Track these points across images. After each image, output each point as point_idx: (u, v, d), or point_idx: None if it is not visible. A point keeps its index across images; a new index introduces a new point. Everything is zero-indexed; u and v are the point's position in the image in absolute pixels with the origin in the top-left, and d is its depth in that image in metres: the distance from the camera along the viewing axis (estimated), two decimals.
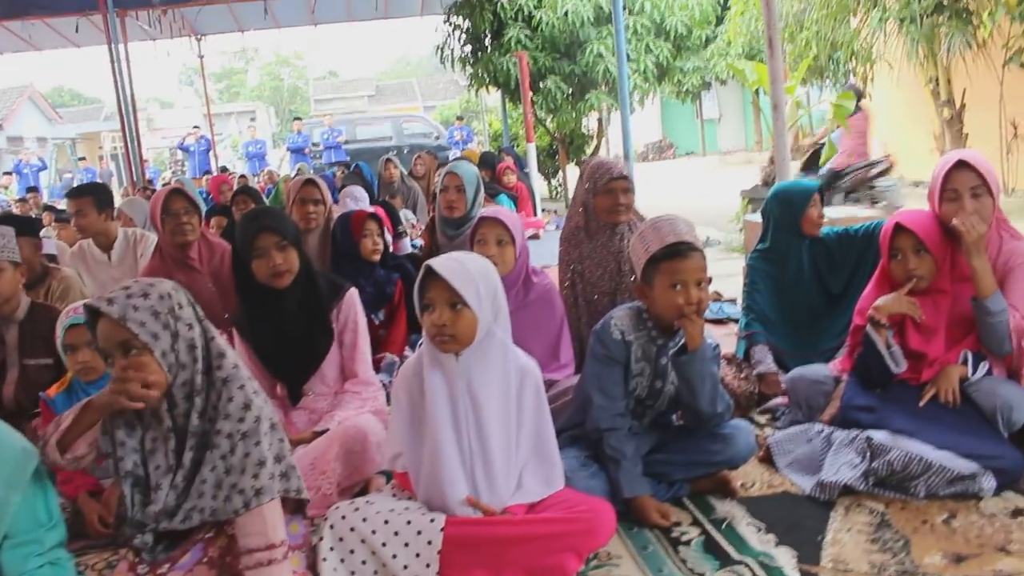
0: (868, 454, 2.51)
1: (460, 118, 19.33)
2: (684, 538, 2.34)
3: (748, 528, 2.37)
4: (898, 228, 2.71)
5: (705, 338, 2.48)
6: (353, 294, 3.13)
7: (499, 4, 11.46)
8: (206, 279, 4.03)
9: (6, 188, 16.22)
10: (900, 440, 2.50)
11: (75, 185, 4.82)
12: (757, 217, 4.19)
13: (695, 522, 2.44)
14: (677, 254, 2.44)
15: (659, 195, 12.68)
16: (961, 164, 2.69)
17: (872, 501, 2.45)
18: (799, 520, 2.39)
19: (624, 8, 9.95)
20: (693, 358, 2.46)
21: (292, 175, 11.95)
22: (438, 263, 2.16)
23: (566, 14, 11.07)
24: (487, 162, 9.22)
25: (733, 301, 4.87)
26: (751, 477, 2.69)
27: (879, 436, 2.53)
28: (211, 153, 18.46)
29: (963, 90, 9.40)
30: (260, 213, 3.04)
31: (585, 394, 2.59)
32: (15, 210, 11.89)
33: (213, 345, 2.06)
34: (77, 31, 13.55)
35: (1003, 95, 9.51)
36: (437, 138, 18.70)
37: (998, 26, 8.54)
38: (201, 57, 18.46)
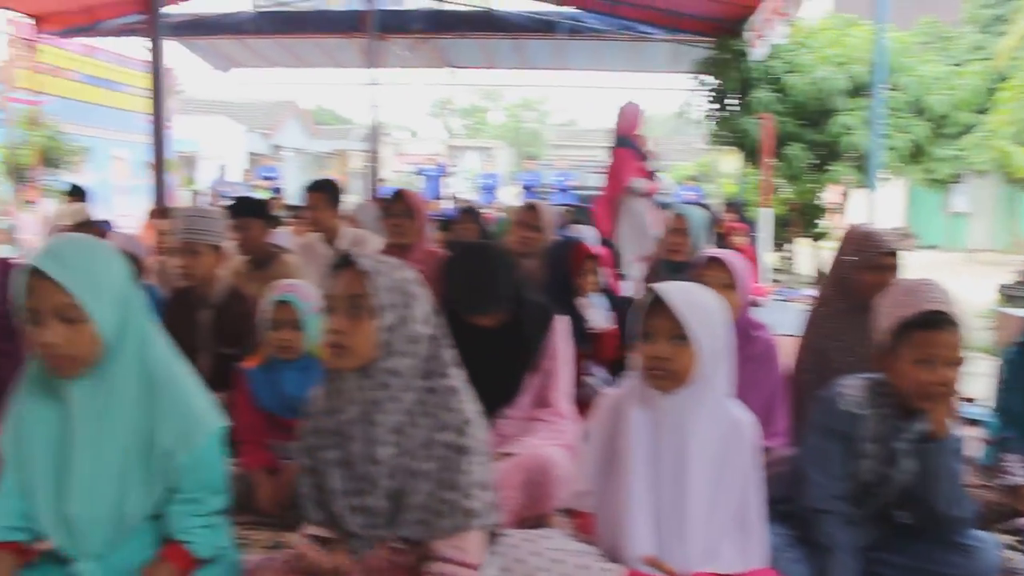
0: None
1: (693, 178, 19.06)
2: None
3: None
4: None
5: (952, 429, 2.14)
6: (561, 323, 2.98)
7: (747, 64, 11.17)
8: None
9: (263, 189, 17.50)
10: None
11: (314, 180, 5.02)
12: (1015, 310, 3.69)
13: None
14: (933, 325, 2.11)
15: None
16: None
17: None
18: None
19: (882, 81, 9.41)
20: (937, 448, 2.12)
21: None
22: (666, 289, 1.94)
23: (818, 81, 10.61)
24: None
25: (973, 401, 4.35)
26: None
27: None
28: (443, 180, 19.13)
29: None
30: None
31: (801, 468, 2.29)
32: None
33: (443, 352, 1.94)
34: (341, 51, 14.43)
35: None
36: (667, 195, 18.50)
37: None
38: (450, 86, 19.22)
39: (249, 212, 4.34)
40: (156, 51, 6.33)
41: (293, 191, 19.74)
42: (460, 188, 23.60)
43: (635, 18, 11.66)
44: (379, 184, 14.76)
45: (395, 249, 4.07)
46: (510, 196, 20.90)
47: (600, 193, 8.36)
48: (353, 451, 1.90)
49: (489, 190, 18.81)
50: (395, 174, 30.45)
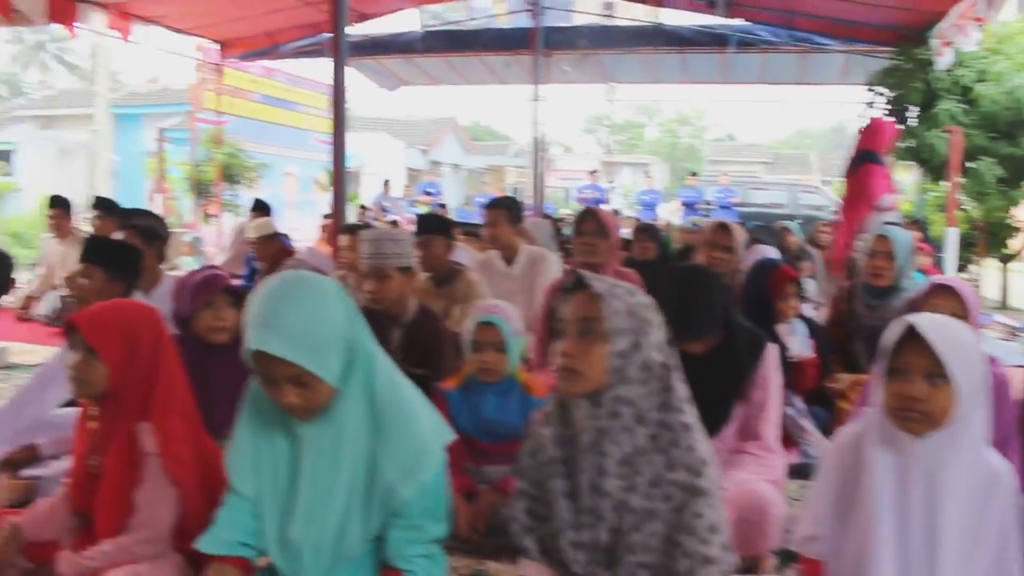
0: None
1: None
2: None
3: None
4: None
5: None
6: (773, 352, 2.82)
7: (933, 74, 10.54)
8: None
9: (424, 204, 17.88)
10: None
11: (493, 197, 5.03)
12: None
13: None
14: None
15: None
16: None
17: None
18: None
19: None
20: None
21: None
22: (925, 323, 1.76)
23: (1014, 89, 9.90)
24: None
25: None
26: None
27: None
28: (602, 197, 18.99)
29: None
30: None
31: None
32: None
33: (676, 383, 1.84)
34: (505, 69, 14.58)
35: None
36: (834, 212, 17.76)
37: None
38: (611, 101, 19.12)
39: (433, 229, 4.36)
40: (338, 71, 6.50)
41: (453, 207, 20.12)
42: (618, 205, 23.44)
43: (810, 29, 11.25)
44: (543, 201, 14.81)
45: (584, 269, 3.98)
46: (670, 213, 20.58)
47: (837, 213, 8.04)
48: (580, 482, 1.82)
49: (649, 207, 18.54)
50: (548, 190, 30.59)
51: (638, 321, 1.79)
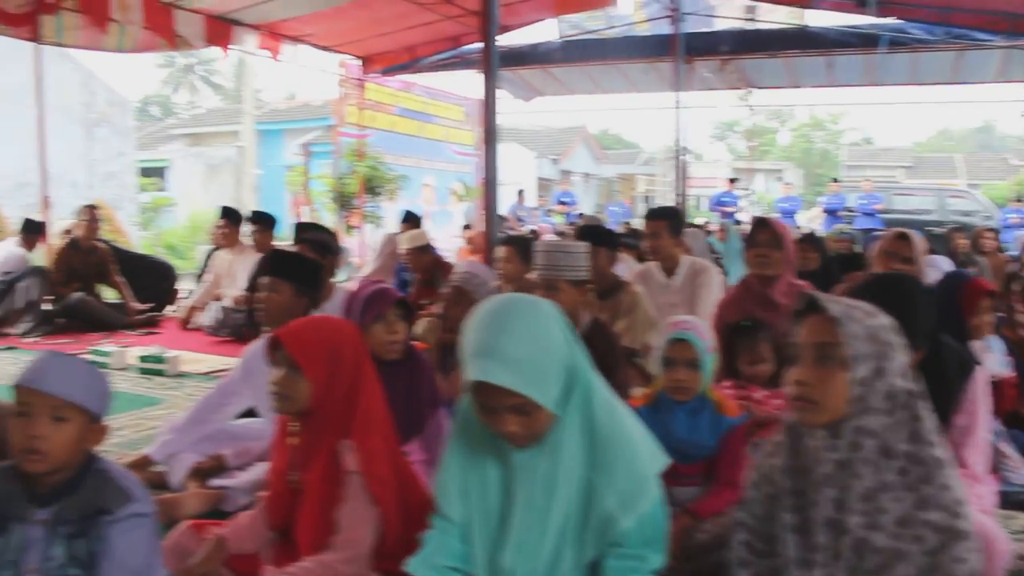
0: None
1: (1019, 199, 17.20)
2: None
3: None
4: None
5: None
6: (982, 374, 2.62)
7: None
8: (785, 319, 3.77)
9: (558, 214, 17.88)
10: None
11: (654, 207, 4.91)
12: None
13: None
14: None
15: None
16: None
17: None
18: None
19: None
20: None
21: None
22: None
23: None
24: None
25: None
26: None
27: None
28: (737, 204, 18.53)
29: None
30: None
31: None
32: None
33: (924, 412, 1.70)
34: (643, 76, 14.41)
35: None
36: (988, 218, 16.82)
37: None
38: (750, 107, 18.67)
39: (596, 240, 4.28)
40: (489, 81, 6.50)
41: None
42: (754, 212, 22.86)
43: (969, 25, 10.65)
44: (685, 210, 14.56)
45: (758, 281, 3.83)
46: (810, 220, 19.93)
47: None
48: (812, 517, 1.70)
49: (788, 214, 17.97)
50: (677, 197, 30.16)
51: (880, 345, 1.66)
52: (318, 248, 4.32)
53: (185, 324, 7.71)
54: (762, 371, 3.32)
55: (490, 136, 6.59)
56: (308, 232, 4.65)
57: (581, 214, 16.96)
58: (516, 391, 1.66)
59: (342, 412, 2.16)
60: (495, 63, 6.63)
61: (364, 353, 2.24)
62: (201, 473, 3.14)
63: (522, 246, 5.21)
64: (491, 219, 6.68)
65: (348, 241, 13.45)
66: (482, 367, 1.67)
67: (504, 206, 17.04)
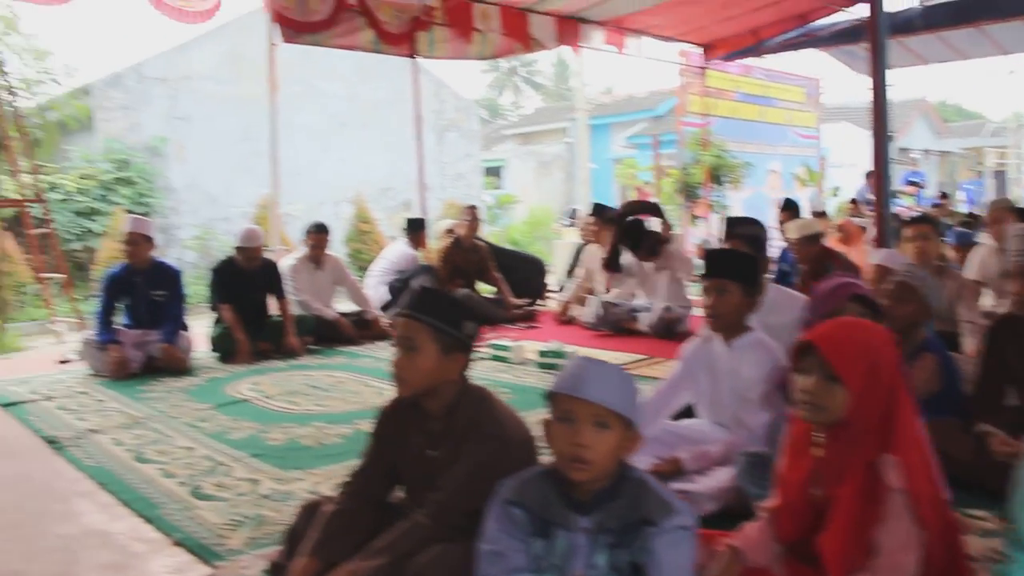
0: None
1: None
2: None
3: None
4: None
5: None
6: None
7: None
8: None
9: (908, 196, 16.55)
10: None
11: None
12: None
13: None
14: None
15: None
16: None
17: None
18: None
19: None
20: None
21: None
22: None
23: None
24: None
25: None
26: None
27: None
28: None
29: None
30: None
31: None
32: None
33: None
34: (1018, 37, 12.90)
35: None
36: None
37: None
38: None
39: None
40: (878, 53, 6.10)
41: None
42: None
43: None
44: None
45: None
46: None
47: None
48: None
49: None
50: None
51: None
52: (751, 243, 4.16)
53: (561, 318, 7.92)
54: None
55: (879, 111, 6.18)
56: (739, 227, 4.50)
57: (944, 194, 15.53)
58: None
59: (879, 424, 1.99)
60: (884, 31, 6.22)
61: (899, 359, 2.05)
62: (658, 476, 3.11)
63: (935, 225, 4.81)
64: (881, 203, 6.26)
65: (693, 232, 13.33)
66: None
67: (852, 189, 16.11)
